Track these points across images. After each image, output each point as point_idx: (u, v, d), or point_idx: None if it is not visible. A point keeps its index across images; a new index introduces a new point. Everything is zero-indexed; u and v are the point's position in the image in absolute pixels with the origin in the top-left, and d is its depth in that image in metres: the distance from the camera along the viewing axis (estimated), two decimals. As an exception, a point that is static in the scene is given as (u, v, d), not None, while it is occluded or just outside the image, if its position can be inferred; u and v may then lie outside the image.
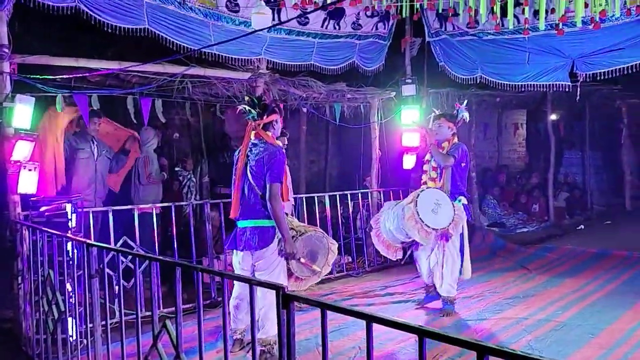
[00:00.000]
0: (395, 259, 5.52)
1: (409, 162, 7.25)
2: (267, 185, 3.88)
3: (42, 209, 4.23)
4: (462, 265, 5.28)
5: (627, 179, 11.71)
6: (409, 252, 5.74)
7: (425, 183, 5.38)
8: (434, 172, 5.31)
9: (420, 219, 4.80)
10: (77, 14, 4.80)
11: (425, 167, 5.49)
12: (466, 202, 5.30)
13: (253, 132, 4.03)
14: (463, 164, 5.28)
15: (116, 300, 3.09)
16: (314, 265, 4.30)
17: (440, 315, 5.15)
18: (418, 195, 4.92)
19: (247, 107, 3.97)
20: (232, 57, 5.94)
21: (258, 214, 3.96)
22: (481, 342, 1.30)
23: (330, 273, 6.45)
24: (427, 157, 5.47)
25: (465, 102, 5.66)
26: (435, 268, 5.21)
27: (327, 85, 6.96)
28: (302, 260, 4.19)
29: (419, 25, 7.47)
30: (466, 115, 5.44)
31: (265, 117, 3.99)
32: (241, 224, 4.05)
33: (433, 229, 4.86)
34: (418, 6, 6.79)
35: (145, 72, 5.52)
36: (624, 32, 6.27)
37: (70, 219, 4.20)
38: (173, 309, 2.49)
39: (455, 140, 5.35)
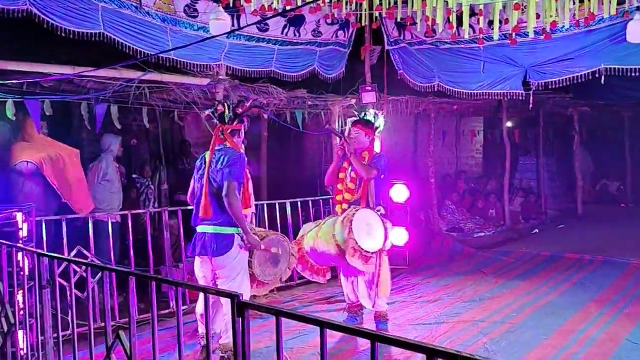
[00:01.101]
0: (325, 282, 5.26)
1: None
2: (225, 183, 3.88)
3: (-9, 218, 4.09)
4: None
5: (579, 184, 12.13)
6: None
7: (340, 193, 5.01)
8: (352, 184, 4.94)
9: (360, 247, 4.52)
10: (29, 18, 4.68)
11: (340, 175, 5.07)
12: (383, 212, 5.03)
13: (219, 137, 4.10)
14: (382, 176, 4.98)
15: (69, 311, 3.01)
16: (272, 248, 4.25)
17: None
18: (351, 221, 4.56)
19: (223, 109, 4.08)
20: (190, 63, 5.89)
21: (220, 220, 3.96)
22: (428, 344, 1.33)
23: (292, 280, 6.45)
24: (345, 164, 5.06)
25: (383, 112, 5.41)
26: (362, 287, 4.98)
27: (288, 92, 6.97)
28: (262, 247, 4.14)
29: (379, 33, 7.57)
30: (380, 122, 5.14)
31: (235, 123, 4.13)
32: (200, 228, 4.05)
33: (372, 253, 4.63)
34: (377, 15, 6.88)
35: (100, 77, 5.41)
36: (573, 43, 6.51)
37: (21, 228, 4.07)
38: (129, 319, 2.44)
39: (375, 150, 5.07)
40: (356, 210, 4.67)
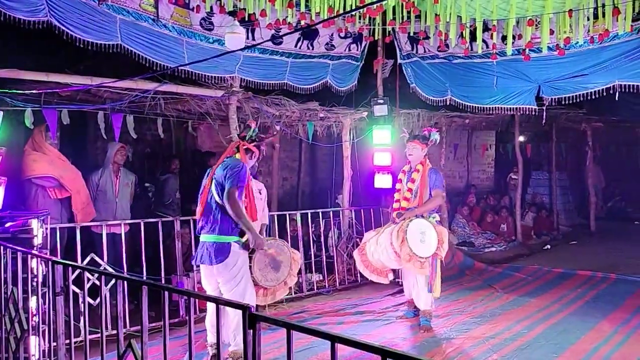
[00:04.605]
0: (389, 282, 5.78)
1: (380, 181, 7.34)
2: (226, 188, 3.99)
3: (7, 224, 4.14)
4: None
5: (592, 200, 12.00)
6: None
7: (398, 201, 5.49)
8: (409, 193, 5.40)
9: (415, 254, 4.99)
10: (49, 29, 4.77)
11: (397, 186, 5.60)
12: (439, 219, 5.48)
13: (232, 150, 4.29)
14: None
15: (81, 318, 3.04)
16: (271, 250, 4.40)
17: (420, 331, 5.27)
18: (405, 232, 5.02)
19: (252, 127, 4.32)
20: (205, 75, 5.97)
21: (218, 229, 4.08)
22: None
23: (301, 291, 6.47)
24: (400, 176, 5.61)
25: (435, 124, 5.78)
26: (416, 286, 5.38)
27: (300, 104, 7.02)
28: (269, 250, 4.34)
29: (391, 47, 7.61)
30: (437, 137, 5.57)
31: (252, 143, 4.30)
32: (203, 238, 4.18)
33: (426, 258, 5.06)
34: (390, 29, 6.93)
35: (117, 87, 5.49)
36: (587, 59, 6.50)
37: (36, 235, 4.12)
38: (139, 327, 2.47)
39: (428, 163, 5.47)
40: (410, 221, 5.13)
